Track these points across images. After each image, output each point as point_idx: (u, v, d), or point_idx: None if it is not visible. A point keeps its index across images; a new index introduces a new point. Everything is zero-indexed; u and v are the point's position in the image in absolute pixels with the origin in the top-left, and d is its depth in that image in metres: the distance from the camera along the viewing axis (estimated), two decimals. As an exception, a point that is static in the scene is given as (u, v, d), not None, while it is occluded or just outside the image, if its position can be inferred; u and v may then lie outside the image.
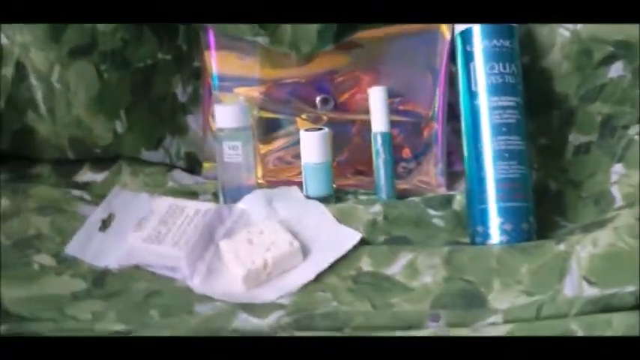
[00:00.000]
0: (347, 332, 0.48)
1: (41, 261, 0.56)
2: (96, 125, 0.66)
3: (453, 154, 0.69)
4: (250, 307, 0.50)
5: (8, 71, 0.64)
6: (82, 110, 0.64)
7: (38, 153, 0.70)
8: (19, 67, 0.64)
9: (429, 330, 0.47)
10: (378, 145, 0.65)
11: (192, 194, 0.67)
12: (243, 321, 0.48)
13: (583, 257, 0.51)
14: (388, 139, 0.65)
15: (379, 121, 0.64)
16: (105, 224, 0.61)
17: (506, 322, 0.47)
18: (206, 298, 0.52)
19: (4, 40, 0.63)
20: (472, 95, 0.59)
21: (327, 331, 0.47)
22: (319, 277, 0.54)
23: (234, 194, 0.64)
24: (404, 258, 0.55)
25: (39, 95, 0.64)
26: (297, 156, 0.66)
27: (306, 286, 0.53)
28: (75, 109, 0.64)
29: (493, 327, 0.47)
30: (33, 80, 0.64)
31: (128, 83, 0.66)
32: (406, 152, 0.68)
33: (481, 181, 0.58)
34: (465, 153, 0.60)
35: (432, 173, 0.68)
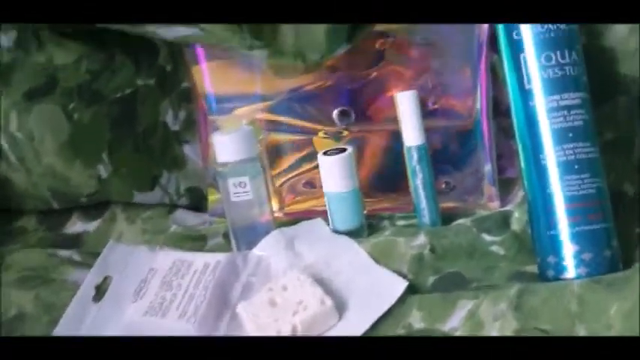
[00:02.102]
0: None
1: (26, 350, 0.46)
2: (73, 174, 0.56)
3: (502, 157, 0.58)
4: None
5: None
6: (53, 159, 0.54)
7: (20, 205, 0.60)
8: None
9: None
10: (413, 162, 0.54)
11: (200, 239, 0.57)
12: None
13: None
14: (425, 152, 0.54)
15: (412, 133, 0.53)
16: (99, 292, 0.51)
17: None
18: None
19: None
20: (525, 95, 0.48)
21: None
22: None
23: (247, 235, 0.54)
24: (463, 308, 0.45)
25: (4, 145, 0.54)
26: (318, 181, 0.55)
27: (346, 355, 0.44)
28: (46, 159, 0.54)
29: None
30: (-4, 129, 0.54)
31: (105, 120, 0.56)
32: (447, 163, 0.57)
33: (547, 201, 0.47)
34: (522, 165, 0.49)
35: (480, 185, 0.57)
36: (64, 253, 0.55)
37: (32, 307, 0.50)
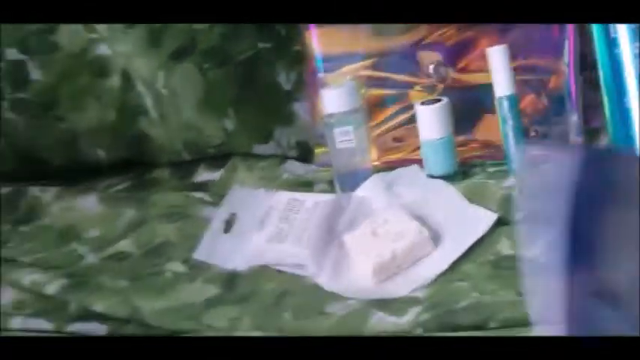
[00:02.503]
0: (493, 326, 0.44)
1: (173, 268, 0.56)
2: (206, 126, 0.65)
3: (588, 109, 0.61)
4: (384, 304, 0.48)
5: (115, 81, 0.64)
6: (191, 113, 0.64)
7: (155, 157, 0.71)
8: (125, 77, 0.64)
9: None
10: (504, 110, 0.59)
11: (308, 185, 0.65)
12: (379, 320, 0.46)
13: None
14: (515, 102, 0.58)
15: (503, 84, 0.58)
16: (228, 225, 0.60)
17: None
18: (337, 297, 0.50)
19: (107, 52, 0.63)
20: (611, 43, 0.52)
21: (471, 329, 0.43)
22: (454, 266, 0.50)
23: (350, 181, 0.61)
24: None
25: (148, 102, 0.65)
26: (414, 132, 0.61)
27: (440, 277, 0.50)
28: (184, 113, 0.64)
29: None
30: (140, 87, 0.64)
31: (232, 78, 0.64)
32: (536, 113, 0.61)
33: (630, 144, 0.51)
34: (607, 113, 0.53)
35: (567, 135, 0.61)
36: (196, 194, 0.65)
37: (175, 236, 0.60)
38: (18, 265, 0.56)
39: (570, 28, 0.59)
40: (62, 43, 0.64)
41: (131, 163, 0.72)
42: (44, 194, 0.66)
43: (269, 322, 0.48)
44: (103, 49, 0.64)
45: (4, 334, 0.50)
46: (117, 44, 0.63)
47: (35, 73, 0.66)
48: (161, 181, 0.71)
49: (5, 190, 0.68)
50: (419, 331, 0.44)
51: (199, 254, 0.58)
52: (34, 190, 0.67)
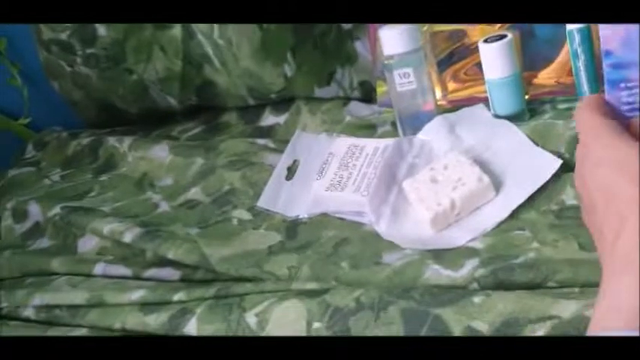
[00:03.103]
0: (550, 285, 0.43)
1: (239, 216, 0.59)
2: (265, 73, 0.65)
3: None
4: (441, 256, 0.48)
5: (177, 32, 0.65)
6: (248, 61, 0.64)
7: (223, 103, 0.72)
8: (185, 27, 0.65)
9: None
10: (575, 44, 0.54)
11: (371, 127, 0.65)
12: (434, 272, 0.46)
13: None
14: (587, 35, 0.54)
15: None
16: (290, 172, 0.61)
17: None
18: (394, 246, 0.50)
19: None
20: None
21: (527, 288, 0.42)
22: (515, 213, 0.49)
23: (412, 123, 0.60)
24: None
25: (209, 51, 0.65)
26: (479, 68, 0.58)
27: (500, 225, 0.49)
28: (242, 61, 0.64)
29: None
30: (201, 37, 0.65)
31: (289, 25, 0.63)
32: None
33: None
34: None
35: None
36: (260, 141, 0.66)
37: (240, 184, 0.62)
38: (99, 215, 0.61)
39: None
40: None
41: (202, 108, 0.74)
42: (121, 144, 0.70)
43: (326, 272, 0.49)
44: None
45: (86, 281, 0.54)
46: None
47: (101, 29, 0.68)
48: (230, 126, 0.73)
49: (86, 140, 0.73)
50: (474, 286, 0.44)
51: (263, 202, 0.59)
52: (112, 140, 0.71)
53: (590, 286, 0.41)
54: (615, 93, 0.44)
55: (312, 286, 0.49)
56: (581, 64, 0.55)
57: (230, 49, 0.64)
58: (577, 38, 0.54)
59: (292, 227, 0.56)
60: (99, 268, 0.56)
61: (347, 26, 0.66)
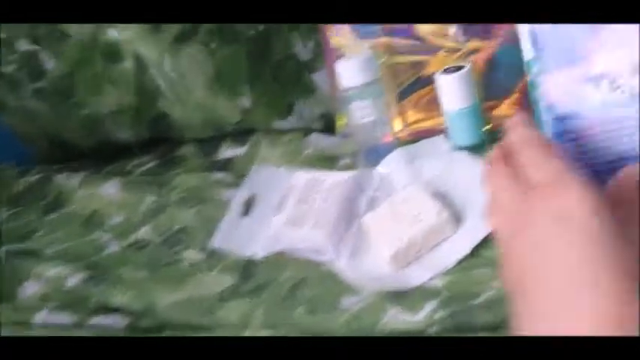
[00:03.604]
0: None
1: (191, 257, 0.56)
2: (220, 106, 0.63)
3: None
4: (400, 297, 0.45)
5: (128, 65, 0.63)
6: (202, 94, 0.62)
7: (179, 135, 0.70)
8: (138, 60, 0.63)
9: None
10: (532, 74, 0.53)
11: (332, 159, 0.62)
12: (392, 318, 0.44)
13: None
14: (547, 64, 0.53)
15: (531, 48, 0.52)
16: (247, 207, 0.59)
17: None
18: (353, 288, 0.48)
19: (118, 36, 0.62)
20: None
21: (488, 330, 0.40)
22: (476, 250, 0.47)
23: (372, 155, 0.58)
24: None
25: (162, 84, 0.63)
26: (438, 101, 0.57)
27: (462, 262, 0.47)
28: (196, 93, 0.62)
29: None
30: (153, 71, 0.63)
31: (244, 55, 0.61)
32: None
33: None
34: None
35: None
36: (216, 175, 0.64)
37: (194, 222, 0.59)
38: (44, 257, 0.58)
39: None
40: (71, 31, 0.63)
41: (157, 141, 0.72)
42: (71, 181, 0.67)
43: (282, 318, 0.47)
44: (112, 34, 0.62)
45: (27, 333, 0.51)
46: (123, 29, 0.61)
47: (49, 63, 0.65)
48: (186, 159, 0.70)
49: (35, 177, 0.70)
50: (434, 330, 0.42)
51: (217, 241, 0.57)
52: (61, 177, 0.68)
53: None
54: (562, 146, 0.43)
55: (265, 333, 0.46)
56: (538, 94, 0.53)
57: (183, 82, 0.62)
58: (534, 68, 0.53)
59: (247, 268, 0.53)
60: (39, 317, 0.53)
61: (304, 58, 0.64)
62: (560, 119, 0.44)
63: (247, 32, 0.61)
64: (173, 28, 0.60)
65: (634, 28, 0.41)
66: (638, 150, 0.42)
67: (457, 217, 0.49)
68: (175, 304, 0.50)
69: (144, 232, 0.59)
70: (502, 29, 0.56)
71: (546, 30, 0.44)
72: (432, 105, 0.59)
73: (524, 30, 0.52)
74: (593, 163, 0.43)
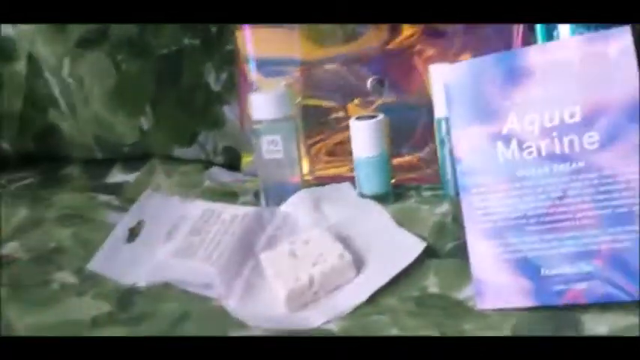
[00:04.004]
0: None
1: (62, 279, 0.50)
2: (118, 122, 0.59)
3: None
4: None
5: (21, 66, 0.57)
6: (100, 106, 0.57)
7: (66, 152, 0.64)
8: (32, 61, 0.57)
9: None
10: (442, 132, 0.55)
11: (232, 195, 0.60)
12: (284, 357, 0.40)
13: None
14: (455, 125, 0.54)
15: (443, 105, 0.54)
16: (133, 234, 0.54)
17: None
18: (243, 325, 0.44)
19: (12, 32, 0.57)
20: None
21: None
22: (375, 297, 0.46)
23: (277, 194, 0.56)
24: (479, 274, 0.45)
25: (56, 91, 0.58)
26: (349, 148, 0.57)
27: (358, 309, 0.45)
28: (93, 105, 0.58)
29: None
30: (48, 75, 0.57)
31: (151, 74, 0.58)
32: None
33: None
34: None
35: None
36: (103, 197, 0.59)
37: (70, 242, 0.53)
38: None
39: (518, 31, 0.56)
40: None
41: (40, 157, 0.65)
42: None
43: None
44: (7, 30, 0.57)
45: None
46: (20, 25, 0.56)
47: None
48: (71, 180, 0.64)
49: None
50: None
51: (95, 265, 0.51)
52: None
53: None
54: (468, 198, 0.45)
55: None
56: (447, 152, 0.55)
57: (81, 90, 0.57)
58: (444, 127, 0.54)
59: (126, 296, 0.48)
60: None
61: (216, 88, 0.62)
62: (468, 174, 0.45)
63: (159, 50, 0.58)
64: (79, 30, 0.56)
65: (547, 91, 0.44)
66: (539, 210, 0.43)
67: (358, 263, 0.48)
68: (36, 327, 0.44)
69: (11, 248, 0.52)
70: (416, 85, 0.57)
71: (461, 87, 0.46)
72: (342, 152, 0.59)
73: (438, 87, 0.54)
74: (496, 219, 0.44)
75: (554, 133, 0.43)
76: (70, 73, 0.57)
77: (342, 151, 0.59)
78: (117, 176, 0.63)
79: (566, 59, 0.43)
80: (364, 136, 0.54)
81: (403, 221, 0.52)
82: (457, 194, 0.54)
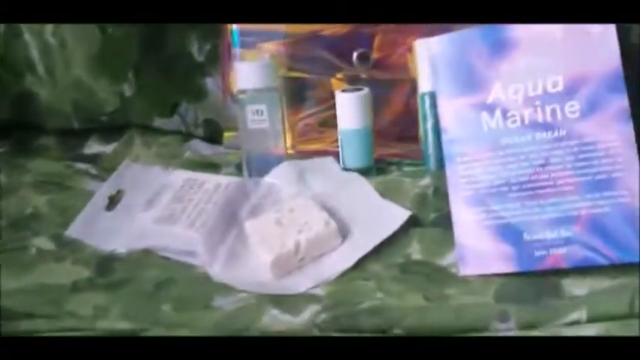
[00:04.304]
0: (397, 332, 0.39)
1: (39, 245, 0.49)
2: (100, 87, 0.57)
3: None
4: (280, 300, 0.42)
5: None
6: (82, 70, 0.56)
7: (41, 121, 0.62)
8: (12, 23, 0.56)
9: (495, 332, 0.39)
10: (425, 107, 0.55)
11: (213, 167, 0.59)
12: (272, 318, 0.40)
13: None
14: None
15: (427, 80, 0.55)
16: (112, 202, 0.53)
17: (591, 320, 0.38)
18: (228, 289, 0.44)
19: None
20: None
21: (373, 332, 0.39)
22: (360, 264, 0.46)
23: (260, 165, 0.56)
24: (461, 242, 0.46)
25: (35, 54, 0.56)
26: (332, 122, 0.57)
27: (344, 274, 0.45)
28: (75, 69, 0.56)
29: (577, 327, 0.38)
30: (28, 37, 0.56)
31: (136, 40, 0.57)
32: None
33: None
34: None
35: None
36: (81, 165, 0.57)
37: (47, 208, 0.52)
38: None
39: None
40: None
41: (15, 126, 0.63)
42: None
43: (142, 313, 0.41)
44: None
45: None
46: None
47: None
48: (47, 149, 0.62)
49: None
50: (315, 333, 0.39)
51: (73, 231, 0.50)
52: None
53: (438, 331, 0.39)
54: (453, 167, 0.45)
55: (121, 325, 0.40)
56: (429, 127, 0.55)
57: (62, 53, 0.56)
58: (427, 101, 0.55)
59: (105, 263, 0.47)
60: None
61: (200, 59, 0.61)
62: (453, 142, 0.46)
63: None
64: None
65: (531, 62, 0.45)
66: (521, 177, 0.44)
67: (344, 231, 0.48)
68: (15, 291, 0.43)
69: (-14, 213, 0.51)
70: (398, 63, 0.58)
71: (447, 59, 0.47)
72: (326, 126, 0.59)
73: (422, 62, 0.55)
74: (480, 187, 0.45)
75: (537, 102, 0.44)
76: (53, 33, 0.56)
77: (326, 125, 0.59)
78: (94, 147, 0.62)
79: (550, 31, 0.44)
80: (349, 109, 0.55)
81: (386, 193, 0.52)
82: (439, 168, 0.55)
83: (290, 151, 0.59)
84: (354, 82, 0.58)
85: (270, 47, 0.58)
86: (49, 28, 0.55)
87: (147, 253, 0.48)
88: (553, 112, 0.44)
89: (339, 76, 0.59)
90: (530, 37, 0.45)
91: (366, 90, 0.55)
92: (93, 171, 0.57)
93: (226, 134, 0.63)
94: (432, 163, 0.56)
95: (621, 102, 0.43)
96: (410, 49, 0.57)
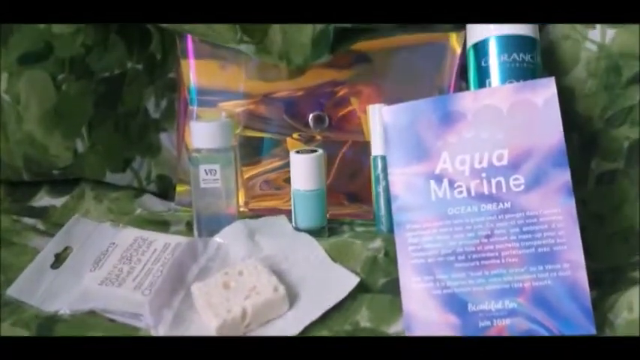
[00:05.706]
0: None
1: (-23, 305, 0.47)
2: (52, 143, 0.57)
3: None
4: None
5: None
6: (34, 126, 0.55)
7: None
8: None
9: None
10: (378, 170, 0.56)
11: (163, 224, 0.58)
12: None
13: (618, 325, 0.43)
14: (390, 164, 0.56)
15: (380, 143, 0.56)
16: (58, 260, 0.52)
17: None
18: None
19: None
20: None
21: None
22: (307, 331, 0.46)
23: (211, 225, 0.56)
24: (409, 309, 0.46)
25: (-13, 108, 0.56)
26: (286, 181, 0.57)
27: (291, 342, 0.45)
28: (27, 125, 0.55)
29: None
30: (-18, 88, 0.55)
31: (91, 96, 0.57)
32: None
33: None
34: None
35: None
36: (28, 220, 0.56)
37: (-11, 266, 0.50)
38: None
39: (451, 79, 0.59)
40: None
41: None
42: None
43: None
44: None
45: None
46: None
47: None
48: (-6, 202, 0.61)
49: None
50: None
51: (14, 290, 0.48)
52: None
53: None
54: (402, 234, 0.46)
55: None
56: (381, 189, 0.56)
57: (15, 108, 0.55)
58: (380, 164, 0.56)
59: (47, 325, 0.46)
60: None
61: (155, 115, 0.61)
62: (402, 209, 0.47)
63: (101, 73, 0.57)
64: (20, 46, 0.54)
65: (478, 135, 0.46)
66: (467, 247, 0.45)
67: (292, 296, 0.48)
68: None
69: None
70: (352, 126, 0.59)
71: (398, 128, 0.48)
72: (280, 184, 0.59)
73: (375, 126, 0.56)
74: (427, 255, 0.46)
75: (483, 174, 0.45)
76: (7, 89, 0.55)
77: (280, 183, 0.60)
78: (43, 199, 0.61)
79: (496, 106, 0.46)
80: (303, 170, 0.55)
81: (337, 255, 0.52)
82: (390, 230, 0.56)
83: (243, 209, 0.59)
84: (309, 142, 0.59)
85: (226, 106, 0.59)
86: (3, 83, 0.55)
87: (91, 315, 0.47)
88: (498, 184, 0.45)
89: (294, 135, 0.59)
90: (477, 110, 0.46)
91: (320, 151, 0.56)
92: (41, 226, 0.56)
93: (179, 189, 0.62)
94: (383, 225, 0.57)
95: (564, 176, 0.44)
96: (364, 112, 0.58)
